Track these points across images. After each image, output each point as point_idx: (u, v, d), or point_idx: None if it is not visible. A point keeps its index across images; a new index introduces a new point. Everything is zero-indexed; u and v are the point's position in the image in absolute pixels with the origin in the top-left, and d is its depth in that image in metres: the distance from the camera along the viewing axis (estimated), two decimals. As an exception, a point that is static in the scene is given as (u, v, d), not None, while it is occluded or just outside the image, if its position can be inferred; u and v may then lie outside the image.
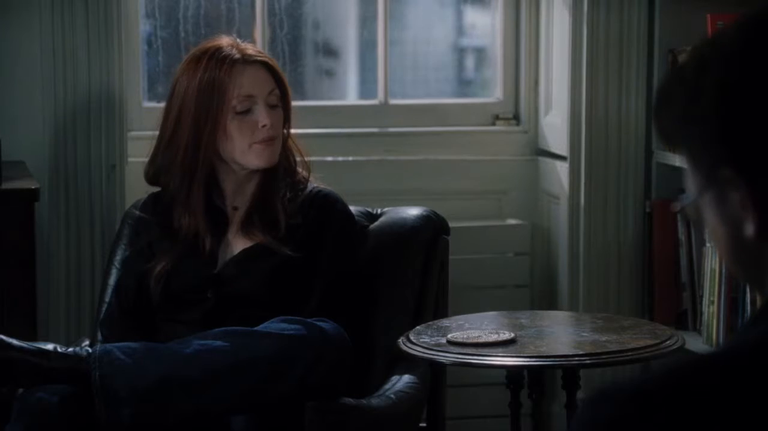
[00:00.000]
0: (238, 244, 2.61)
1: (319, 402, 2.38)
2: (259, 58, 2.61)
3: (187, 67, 2.61)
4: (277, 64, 2.67)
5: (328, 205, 2.66)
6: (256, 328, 2.42)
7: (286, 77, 2.70)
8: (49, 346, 2.41)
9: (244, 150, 2.57)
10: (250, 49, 2.62)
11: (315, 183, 2.71)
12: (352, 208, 2.88)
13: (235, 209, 2.64)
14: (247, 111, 2.58)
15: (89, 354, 2.38)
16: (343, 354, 2.42)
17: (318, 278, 2.58)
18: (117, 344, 2.43)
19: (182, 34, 3.52)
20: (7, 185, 2.90)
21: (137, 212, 2.72)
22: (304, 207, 2.63)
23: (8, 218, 2.87)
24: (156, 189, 2.72)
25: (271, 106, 2.60)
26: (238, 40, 2.65)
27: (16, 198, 2.88)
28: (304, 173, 2.70)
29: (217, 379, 2.35)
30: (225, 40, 2.63)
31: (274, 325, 2.41)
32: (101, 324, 2.68)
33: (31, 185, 2.93)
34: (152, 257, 2.62)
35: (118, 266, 2.76)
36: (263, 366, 2.35)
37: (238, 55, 2.58)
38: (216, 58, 2.57)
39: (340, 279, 2.61)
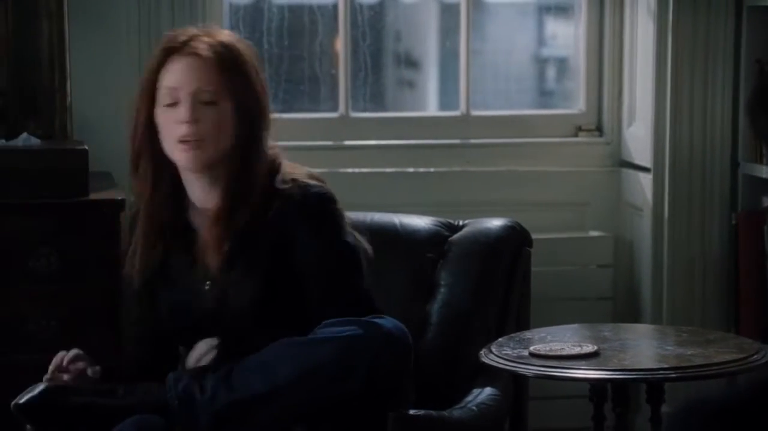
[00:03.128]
0: (213, 261, 2.42)
1: (401, 413, 2.38)
2: (198, 52, 2.37)
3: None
4: (230, 62, 2.37)
5: (308, 214, 2.42)
6: (311, 335, 2.39)
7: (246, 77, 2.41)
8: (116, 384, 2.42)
9: (172, 147, 2.38)
10: (203, 40, 2.39)
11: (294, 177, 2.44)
12: (434, 219, 2.87)
13: (206, 218, 2.44)
14: (174, 105, 2.38)
15: (160, 385, 2.39)
16: (405, 348, 2.36)
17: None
18: (186, 372, 2.43)
19: (266, 46, 3.55)
20: (95, 196, 2.94)
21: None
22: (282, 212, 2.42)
23: (95, 228, 2.91)
24: None
25: (204, 103, 2.37)
26: (204, 29, 2.43)
27: (102, 209, 2.93)
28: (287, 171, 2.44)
29: (285, 392, 2.35)
30: (190, 30, 2.43)
31: (329, 329, 2.38)
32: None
33: (118, 195, 2.97)
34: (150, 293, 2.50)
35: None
36: (326, 371, 2.34)
37: (177, 44, 2.38)
38: (161, 47, 2.41)
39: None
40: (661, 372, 2.41)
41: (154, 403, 2.37)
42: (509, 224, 2.85)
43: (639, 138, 3.51)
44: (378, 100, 3.67)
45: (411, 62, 3.81)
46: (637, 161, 3.52)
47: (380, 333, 2.35)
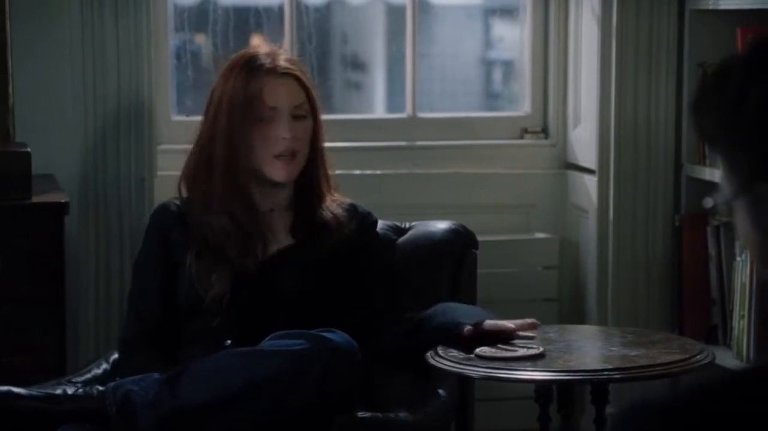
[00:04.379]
0: (274, 244, 2.62)
1: (348, 416, 2.38)
2: (290, 72, 2.61)
3: (223, 75, 2.63)
4: (307, 79, 2.66)
5: (374, 231, 2.72)
6: (260, 346, 2.40)
7: (316, 91, 2.70)
8: (58, 390, 2.40)
9: (267, 161, 2.58)
10: (283, 60, 2.62)
11: (345, 199, 2.71)
12: (380, 221, 2.88)
13: (272, 211, 2.64)
14: (271, 122, 2.58)
15: (102, 392, 2.37)
16: (353, 361, 2.40)
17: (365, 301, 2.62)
18: (128, 378, 2.42)
19: (211, 48, 3.53)
20: (38, 199, 2.92)
21: (164, 215, 2.68)
22: (347, 221, 2.64)
23: (39, 231, 2.89)
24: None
25: (297, 119, 2.60)
26: (277, 48, 2.67)
27: (46, 211, 2.90)
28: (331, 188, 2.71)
29: (231, 403, 2.35)
30: (263, 49, 2.65)
31: (280, 341, 2.40)
32: (122, 348, 2.64)
33: (61, 198, 2.95)
34: (173, 265, 2.61)
35: (137, 277, 2.72)
36: (274, 385, 2.34)
37: (269, 65, 2.59)
38: (249, 67, 2.58)
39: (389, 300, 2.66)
40: (606, 373, 2.42)
41: (95, 410, 2.35)
42: (454, 226, 2.86)
43: (584, 140, 3.53)
44: (325, 103, 3.65)
45: (358, 64, 3.81)
46: (582, 163, 3.55)
47: (329, 347, 2.36)
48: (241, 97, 2.56)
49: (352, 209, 2.69)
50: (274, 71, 2.58)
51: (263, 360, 2.36)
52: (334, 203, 2.66)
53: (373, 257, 2.67)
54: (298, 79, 2.62)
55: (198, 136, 2.64)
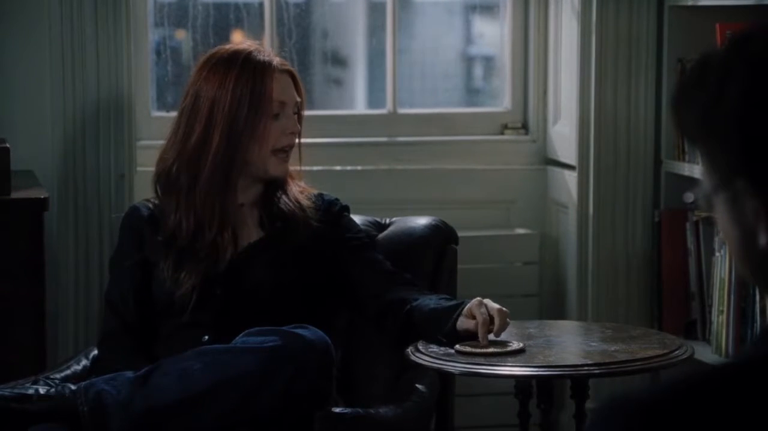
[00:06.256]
0: (244, 239, 2.62)
1: (327, 411, 2.38)
2: (287, 67, 2.67)
3: (209, 72, 2.61)
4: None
5: (343, 215, 2.72)
6: (232, 344, 2.40)
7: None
8: (30, 390, 2.40)
9: (265, 156, 2.60)
10: (275, 56, 2.67)
11: (311, 189, 2.74)
12: (361, 217, 2.89)
13: (241, 205, 2.65)
14: (279, 117, 2.62)
15: (74, 391, 2.37)
16: (326, 359, 2.40)
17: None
18: (100, 377, 2.42)
19: (191, 44, 3.52)
20: (17, 195, 2.90)
21: (136, 216, 2.69)
22: (314, 211, 2.65)
23: (18, 227, 2.88)
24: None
25: (295, 113, 2.66)
26: (258, 44, 2.71)
27: (25, 207, 2.89)
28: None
29: (202, 401, 2.34)
30: (251, 45, 2.67)
31: (251, 338, 2.40)
32: (100, 343, 2.65)
33: (41, 194, 2.94)
34: (147, 264, 2.61)
35: (113, 275, 2.72)
36: (245, 382, 2.34)
37: (273, 63, 2.62)
38: (252, 62, 2.59)
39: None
40: (586, 368, 2.43)
41: (67, 410, 2.34)
42: (434, 222, 2.87)
43: (564, 136, 3.54)
44: (305, 98, 3.66)
45: (338, 60, 3.81)
46: (562, 159, 3.55)
47: (301, 344, 2.36)
48: (250, 93, 2.57)
49: (319, 199, 2.70)
50: (276, 68, 2.63)
51: (234, 357, 2.36)
52: (302, 195, 2.67)
53: (350, 238, 2.67)
54: (293, 75, 2.67)
55: (181, 134, 2.62)
